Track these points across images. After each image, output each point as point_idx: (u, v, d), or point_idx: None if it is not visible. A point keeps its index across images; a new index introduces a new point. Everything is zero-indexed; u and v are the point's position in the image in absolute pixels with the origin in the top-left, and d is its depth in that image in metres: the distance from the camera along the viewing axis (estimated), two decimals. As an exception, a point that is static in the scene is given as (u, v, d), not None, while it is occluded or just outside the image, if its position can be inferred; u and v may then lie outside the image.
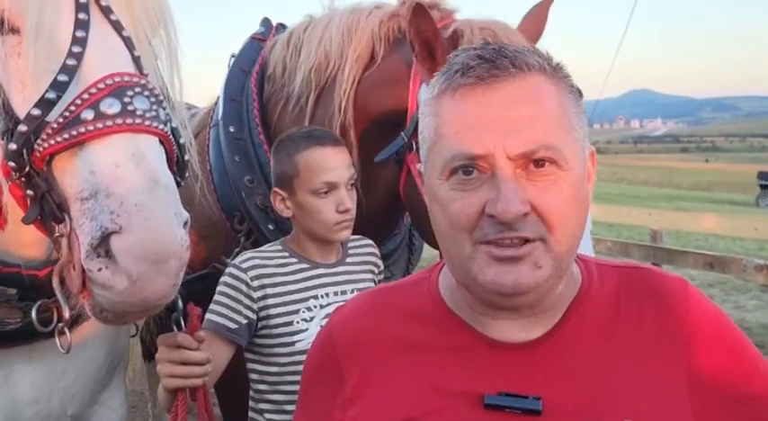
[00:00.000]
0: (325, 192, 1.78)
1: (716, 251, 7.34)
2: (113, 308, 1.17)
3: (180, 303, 1.38)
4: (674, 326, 0.97)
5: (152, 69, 1.34)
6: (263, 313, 1.76)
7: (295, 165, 1.79)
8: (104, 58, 1.23)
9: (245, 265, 1.78)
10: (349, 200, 1.80)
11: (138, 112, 1.19)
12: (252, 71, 2.39)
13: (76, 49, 1.20)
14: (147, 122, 1.19)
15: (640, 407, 0.92)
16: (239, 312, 1.74)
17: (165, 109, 1.27)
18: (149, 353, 3.31)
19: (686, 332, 0.97)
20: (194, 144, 1.61)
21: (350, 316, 1.11)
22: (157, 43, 1.41)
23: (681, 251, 5.75)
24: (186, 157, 1.39)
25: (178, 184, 1.36)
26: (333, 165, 1.79)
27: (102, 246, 1.12)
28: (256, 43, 2.51)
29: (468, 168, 0.90)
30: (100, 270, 1.12)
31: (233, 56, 2.52)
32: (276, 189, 1.84)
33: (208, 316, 1.75)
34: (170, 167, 1.29)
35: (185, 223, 1.20)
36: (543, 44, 0.96)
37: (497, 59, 0.91)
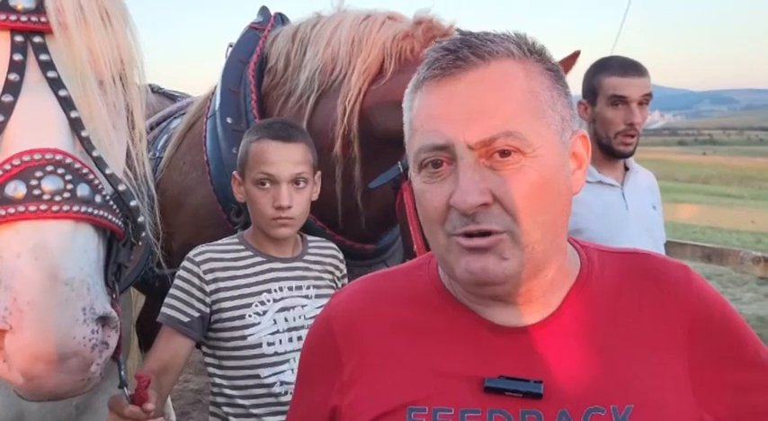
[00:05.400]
0: (264, 185, 1.79)
1: (713, 243, 7.36)
2: (25, 396, 1.12)
3: (123, 373, 1.29)
4: (675, 312, 0.98)
5: (99, 127, 1.25)
6: (215, 306, 1.76)
7: (246, 152, 1.83)
8: (28, 127, 1.15)
9: (198, 259, 1.79)
10: (287, 197, 1.78)
11: (46, 196, 1.11)
12: (250, 62, 2.38)
13: None
14: (56, 207, 1.11)
15: (642, 391, 0.92)
16: (191, 305, 1.75)
17: (91, 182, 1.18)
18: (146, 343, 3.32)
19: (687, 317, 0.97)
20: (154, 192, 1.57)
21: (348, 300, 1.11)
22: (117, 90, 1.32)
23: (678, 243, 5.74)
24: (140, 219, 1.30)
25: (133, 246, 1.31)
26: (275, 158, 1.79)
27: None
28: (254, 33, 2.50)
29: (436, 161, 0.91)
30: None
31: (230, 45, 2.52)
32: (234, 173, 1.90)
33: (162, 309, 1.77)
34: (113, 239, 1.23)
35: (102, 318, 1.12)
36: (540, 38, 0.96)
37: (460, 49, 0.92)
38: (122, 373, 1.29)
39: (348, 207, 2.20)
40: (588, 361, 0.95)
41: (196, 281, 1.77)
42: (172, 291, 1.79)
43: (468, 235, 0.90)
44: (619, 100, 2.37)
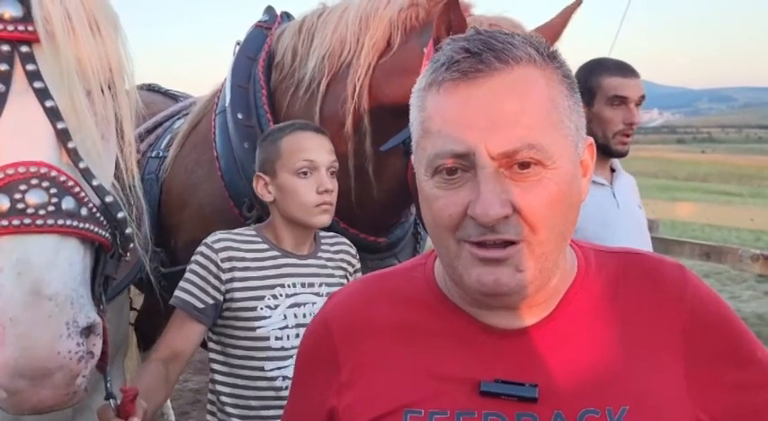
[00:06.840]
0: (305, 173, 1.82)
1: (712, 241, 7.37)
2: (8, 410, 1.10)
3: (109, 385, 1.27)
4: (670, 311, 0.97)
5: (87, 137, 1.23)
6: (228, 295, 1.77)
7: (277, 148, 1.85)
8: (13, 140, 1.13)
9: (216, 246, 1.79)
10: (329, 182, 1.83)
11: (30, 210, 1.09)
12: (258, 58, 2.39)
13: None
14: (40, 221, 1.09)
15: (638, 393, 0.92)
16: (207, 292, 1.75)
17: (76, 195, 1.16)
18: (145, 342, 3.32)
19: (683, 317, 0.97)
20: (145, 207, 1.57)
21: (345, 302, 1.11)
22: (106, 99, 1.29)
23: (677, 241, 5.75)
24: (128, 231, 1.28)
25: (120, 258, 1.29)
26: (312, 146, 1.84)
27: None
28: (261, 31, 2.52)
29: (451, 167, 0.89)
30: None
31: (238, 43, 2.52)
32: (259, 173, 1.89)
33: (176, 293, 1.77)
34: (101, 251, 1.22)
35: (88, 328, 1.11)
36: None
37: (483, 53, 0.88)
38: (108, 385, 1.27)
39: (361, 185, 2.19)
40: (584, 362, 0.95)
41: (213, 268, 1.77)
42: (187, 275, 1.79)
43: (481, 244, 0.89)
44: (619, 100, 2.41)
